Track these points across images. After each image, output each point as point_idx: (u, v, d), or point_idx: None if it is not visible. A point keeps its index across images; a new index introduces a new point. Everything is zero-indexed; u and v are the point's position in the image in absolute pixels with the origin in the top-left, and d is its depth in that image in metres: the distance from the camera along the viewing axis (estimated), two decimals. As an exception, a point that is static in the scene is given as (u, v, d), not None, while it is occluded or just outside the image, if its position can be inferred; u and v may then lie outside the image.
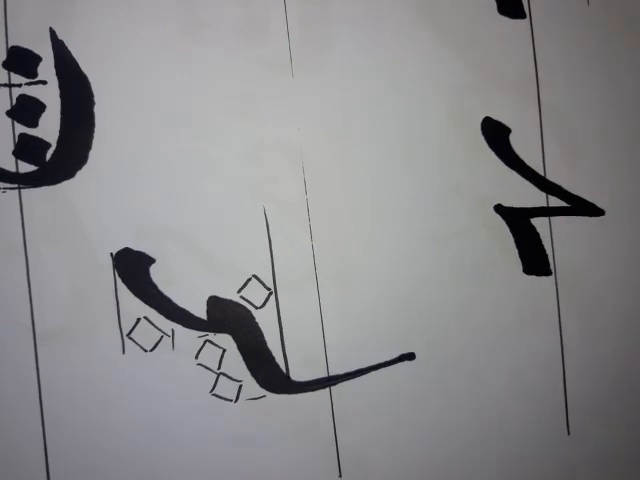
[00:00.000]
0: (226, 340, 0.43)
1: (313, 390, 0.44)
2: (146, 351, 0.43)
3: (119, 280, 0.42)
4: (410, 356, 0.44)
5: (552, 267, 0.46)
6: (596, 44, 0.46)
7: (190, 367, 0.43)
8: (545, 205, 0.46)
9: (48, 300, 0.42)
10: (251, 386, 0.44)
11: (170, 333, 0.43)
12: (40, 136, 0.42)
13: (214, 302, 0.43)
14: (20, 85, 0.42)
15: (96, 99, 0.42)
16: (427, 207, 0.45)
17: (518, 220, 0.45)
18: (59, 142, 0.42)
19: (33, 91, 0.42)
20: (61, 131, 0.42)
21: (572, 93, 0.46)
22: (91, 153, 0.42)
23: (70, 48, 0.42)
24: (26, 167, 0.42)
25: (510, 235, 0.45)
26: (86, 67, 0.42)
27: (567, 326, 0.46)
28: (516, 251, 0.45)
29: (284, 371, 0.44)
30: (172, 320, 0.43)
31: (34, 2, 0.42)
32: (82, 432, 0.42)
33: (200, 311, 0.43)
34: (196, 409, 0.43)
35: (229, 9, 0.43)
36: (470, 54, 0.45)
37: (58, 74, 0.42)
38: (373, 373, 0.44)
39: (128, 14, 0.43)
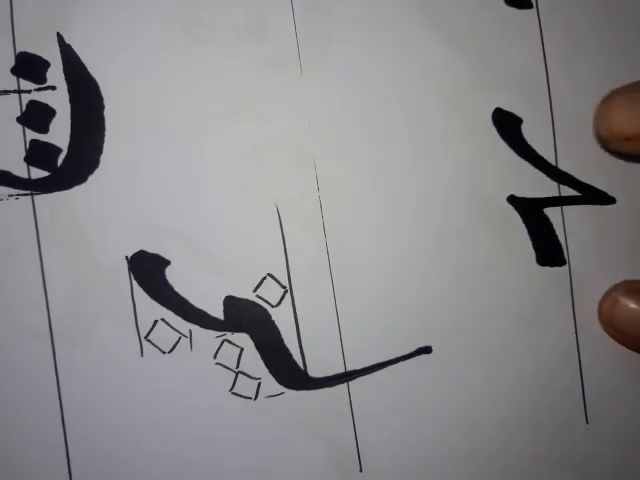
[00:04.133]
0: (244, 339, 0.44)
1: (331, 386, 0.44)
2: (164, 353, 0.43)
3: (135, 283, 0.43)
4: (427, 349, 0.45)
5: (566, 257, 0.46)
6: (609, 29, 0.46)
7: (209, 367, 0.43)
8: (557, 195, 0.46)
9: (65, 304, 0.42)
10: (270, 383, 0.44)
11: (188, 334, 0.43)
12: (51, 142, 0.42)
13: (231, 302, 0.43)
14: (29, 91, 0.42)
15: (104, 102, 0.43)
16: (445, 201, 0.45)
17: (531, 210, 0.45)
18: (70, 147, 0.42)
19: (43, 97, 0.42)
20: (72, 136, 0.42)
21: (584, 81, 0.46)
22: (102, 157, 0.43)
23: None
24: (38, 173, 0.42)
25: (521, 227, 0.45)
26: (89, 69, 0.42)
27: (581, 314, 0.46)
28: (529, 243, 0.45)
29: (302, 368, 0.44)
30: (189, 321, 0.43)
31: (39, 6, 0.42)
32: (103, 435, 0.43)
33: (217, 311, 0.43)
34: (216, 408, 0.43)
35: (234, 8, 0.43)
36: (478, 46, 0.45)
37: (67, 79, 0.42)
38: (390, 367, 0.45)
39: (128, 14, 0.43)
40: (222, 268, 0.43)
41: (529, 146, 0.45)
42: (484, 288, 0.45)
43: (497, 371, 0.45)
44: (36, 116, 0.42)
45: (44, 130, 0.42)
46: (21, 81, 0.42)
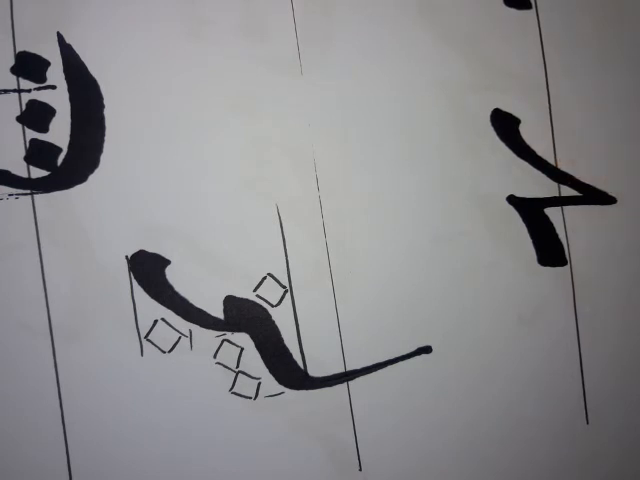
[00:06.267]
0: (244, 339, 0.44)
1: (331, 385, 0.44)
2: (164, 352, 0.43)
3: (135, 282, 0.43)
4: (427, 349, 0.45)
5: (567, 257, 0.46)
6: (607, 30, 0.46)
7: (209, 367, 0.43)
8: (557, 195, 0.46)
9: (65, 304, 0.42)
10: (270, 383, 0.44)
11: (188, 334, 0.43)
12: (51, 141, 0.42)
13: (231, 302, 0.43)
14: (29, 90, 0.42)
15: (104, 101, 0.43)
16: (444, 201, 0.45)
17: (531, 210, 0.45)
18: (70, 146, 0.42)
19: (42, 96, 0.42)
20: (72, 135, 0.42)
21: (582, 82, 0.46)
22: (102, 156, 0.43)
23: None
24: (38, 172, 0.42)
25: (522, 227, 0.45)
26: (89, 68, 0.43)
27: (583, 315, 0.46)
28: (529, 243, 0.45)
29: (302, 367, 0.44)
30: (190, 321, 0.43)
31: (40, 5, 0.42)
32: (103, 434, 0.43)
33: (217, 311, 0.43)
34: (216, 408, 0.43)
35: (234, 8, 0.43)
36: (477, 47, 0.45)
37: (67, 78, 0.42)
38: (390, 367, 0.44)
39: (128, 14, 0.43)
40: (222, 268, 0.43)
41: (528, 147, 0.45)
42: (484, 288, 0.45)
43: (497, 371, 0.45)
44: (36, 115, 0.42)
45: (44, 129, 0.42)
46: (21, 80, 0.42)
